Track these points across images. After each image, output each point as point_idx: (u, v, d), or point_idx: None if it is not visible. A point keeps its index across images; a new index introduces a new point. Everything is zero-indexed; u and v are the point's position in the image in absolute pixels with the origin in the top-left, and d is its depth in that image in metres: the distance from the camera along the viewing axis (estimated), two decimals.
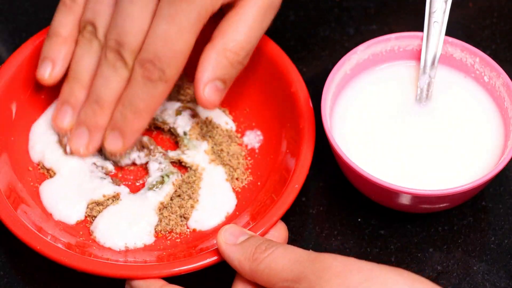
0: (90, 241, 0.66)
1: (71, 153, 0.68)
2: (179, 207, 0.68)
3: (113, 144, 0.66)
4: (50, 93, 0.72)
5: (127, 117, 0.65)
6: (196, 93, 0.64)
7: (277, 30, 0.80)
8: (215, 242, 0.61)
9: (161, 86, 0.63)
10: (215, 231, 0.66)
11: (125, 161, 0.69)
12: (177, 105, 0.72)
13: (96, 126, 0.66)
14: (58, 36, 0.67)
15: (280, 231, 0.64)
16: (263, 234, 0.63)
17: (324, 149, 0.69)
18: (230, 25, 0.64)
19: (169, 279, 0.61)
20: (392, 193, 0.64)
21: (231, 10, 0.64)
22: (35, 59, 0.71)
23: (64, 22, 0.67)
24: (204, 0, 0.61)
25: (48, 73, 0.67)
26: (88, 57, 0.66)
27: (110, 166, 0.69)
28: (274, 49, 0.71)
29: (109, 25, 0.65)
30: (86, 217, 0.67)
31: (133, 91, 0.64)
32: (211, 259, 0.61)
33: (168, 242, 0.67)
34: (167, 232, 0.67)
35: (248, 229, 0.63)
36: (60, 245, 0.63)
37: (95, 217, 0.67)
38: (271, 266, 0.57)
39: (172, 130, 0.71)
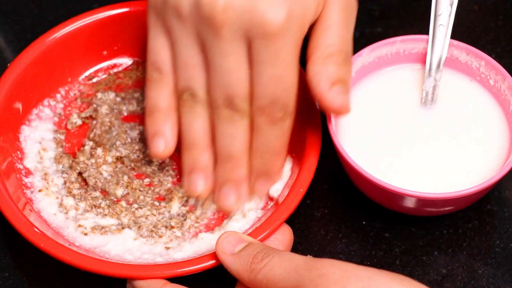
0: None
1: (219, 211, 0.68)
2: None
3: (263, 188, 0.67)
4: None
5: (269, 161, 0.65)
6: (323, 106, 0.64)
7: None
8: None
9: (288, 122, 0.64)
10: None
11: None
12: None
13: (239, 179, 0.66)
14: (159, 111, 0.66)
15: (284, 235, 0.64)
16: (265, 238, 0.63)
17: (329, 152, 0.69)
18: (319, 37, 0.64)
19: (172, 279, 0.61)
20: (397, 196, 0.64)
21: (315, 25, 0.64)
22: (41, 61, 0.71)
23: (160, 96, 0.66)
24: (295, 29, 0.61)
25: (162, 149, 0.67)
26: (197, 122, 0.65)
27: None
28: None
29: (208, 86, 0.64)
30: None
31: (265, 138, 0.64)
32: (213, 261, 0.61)
33: None
34: None
35: (253, 231, 0.63)
36: (63, 243, 0.64)
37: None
38: (268, 277, 0.57)
39: None
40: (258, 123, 0.63)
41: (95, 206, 0.68)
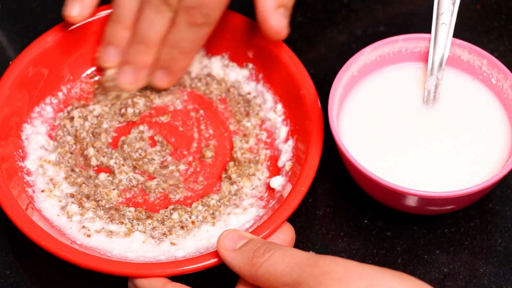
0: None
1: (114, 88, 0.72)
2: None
3: (161, 81, 0.71)
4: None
5: (175, 57, 0.69)
6: (265, 26, 0.67)
7: None
8: None
9: (206, 29, 0.68)
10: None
11: None
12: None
13: (142, 64, 0.70)
14: None
15: (286, 233, 0.64)
16: (267, 236, 0.63)
17: (331, 151, 0.69)
18: None
19: (173, 278, 0.61)
20: (398, 195, 0.64)
21: None
22: (43, 59, 0.71)
23: None
24: None
25: (77, 12, 0.70)
26: (129, 1, 0.69)
27: None
28: (284, 51, 0.71)
29: None
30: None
31: (179, 34, 0.68)
32: (214, 260, 0.61)
33: None
34: None
35: (254, 230, 0.63)
36: (65, 241, 0.64)
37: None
38: (270, 271, 0.57)
39: None
40: (179, 20, 0.67)
41: (106, 217, 0.68)
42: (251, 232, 0.62)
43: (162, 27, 0.68)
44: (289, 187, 0.66)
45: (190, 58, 0.71)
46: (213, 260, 0.61)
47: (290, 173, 0.68)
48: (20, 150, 0.70)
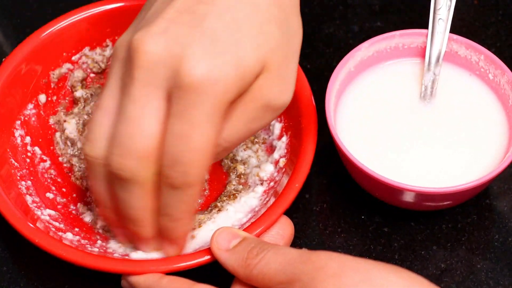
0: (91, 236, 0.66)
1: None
2: None
3: (171, 252, 0.62)
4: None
5: (169, 226, 0.60)
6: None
7: None
8: None
9: (190, 191, 0.57)
10: None
11: None
12: None
13: (144, 239, 0.62)
14: None
15: (285, 229, 0.63)
16: (261, 233, 0.63)
17: (328, 146, 0.69)
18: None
19: (170, 274, 0.61)
20: (395, 191, 0.64)
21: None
22: (37, 55, 0.71)
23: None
24: (217, 93, 0.55)
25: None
26: (100, 186, 0.60)
27: None
28: None
29: (110, 137, 0.58)
30: None
31: (165, 201, 0.58)
32: (209, 257, 0.61)
33: None
34: None
35: (248, 227, 0.62)
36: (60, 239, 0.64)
37: None
38: (264, 272, 0.57)
39: None
40: (162, 187, 0.58)
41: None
42: (244, 230, 0.62)
43: (137, 202, 0.59)
44: (283, 184, 0.66)
45: (186, 224, 0.61)
46: (207, 257, 0.61)
47: (284, 169, 0.68)
48: (13, 147, 0.70)
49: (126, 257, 0.64)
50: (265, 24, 0.58)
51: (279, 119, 0.71)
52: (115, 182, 0.58)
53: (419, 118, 0.69)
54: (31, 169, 0.70)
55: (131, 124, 0.56)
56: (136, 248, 0.64)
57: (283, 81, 0.59)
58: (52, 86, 0.73)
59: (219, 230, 0.61)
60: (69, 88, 0.74)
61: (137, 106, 0.56)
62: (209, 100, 0.55)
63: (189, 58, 0.55)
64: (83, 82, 0.74)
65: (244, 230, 0.62)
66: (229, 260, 0.59)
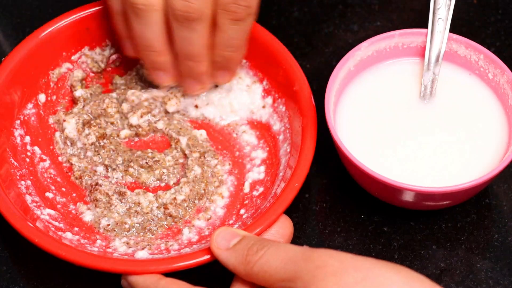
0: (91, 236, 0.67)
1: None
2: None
3: (224, 79, 0.71)
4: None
5: (228, 57, 0.69)
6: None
7: (281, 26, 0.80)
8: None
9: (249, 20, 0.67)
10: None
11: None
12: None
13: (200, 73, 0.70)
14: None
15: (285, 227, 0.63)
16: (260, 233, 0.63)
17: (327, 146, 0.69)
18: None
19: (167, 274, 0.61)
20: (395, 190, 0.64)
21: None
22: (36, 55, 0.71)
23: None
24: None
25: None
26: (155, 30, 0.67)
27: None
28: (278, 47, 0.71)
29: None
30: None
31: (227, 35, 0.67)
32: (208, 256, 0.61)
33: None
34: None
35: (247, 226, 0.62)
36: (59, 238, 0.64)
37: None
38: (264, 269, 0.57)
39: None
40: (221, 22, 0.66)
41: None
42: (244, 229, 0.62)
43: (201, 39, 0.67)
44: (283, 184, 0.66)
45: (243, 51, 0.70)
46: (206, 257, 0.61)
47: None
48: (13, 147, 0.70)
49: (126, 256, 0.64)
50: None
51: (279, 118, 0.71)
52: (177, 24, 0.66)
53: (418, 118, 0.69)
54: (31, 168, 0.70)
55: None
56: (181, 84, 0.72)
57: None
58: (51, 86, 0.73)
59: (218, 230, 0.61)
60: (69, 87, 0.74)
61: None
62: None
63: None
64: (83, 81, 0.74)
65: (243, 229, 0.62)
66: (229, 258, 0.59)
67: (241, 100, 0.73)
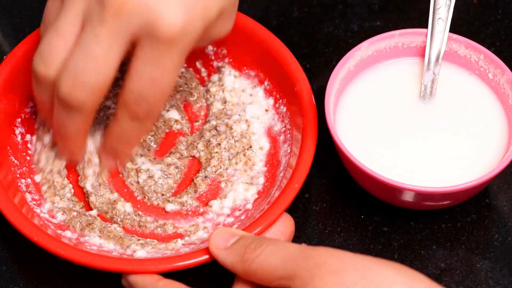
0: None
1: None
2: None
3: (110, 164, 0.69)
4: None
5: (119, 148, 0.67)
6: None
7: (281, 26, 0.80)
8: None
9: (147, 123, 0.64)
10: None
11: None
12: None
13: (76, 156, 0.68)
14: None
15: (286, 226, 0.63)
16: (260, 233, 0.62)
17: (327, 146, 0.69)
18: None
19: (166, 274, 0.61)
20: (395, 190, 0.64)
21: None
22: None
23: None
24: (185, 43, 0.60)
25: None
26: (43, 98, 0.65)
27: None
28: (278, 46, 0.71)
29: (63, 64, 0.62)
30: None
31: (121, 129, 0.64)
32: (207, 256, 0.61)
33: None
34: None
35: (246, 227, 0.62)
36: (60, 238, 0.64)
37: None
38: (263, 266, 0.57)
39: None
40: (119, 115, 0.63)
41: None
42: (244, 230, 0.62)
43: (74, 127, 0.64)
44: (283, 184, 0.66)
45: (133, 147, 0.68)
46: (205, 257, 0.61)
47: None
48: (13, 145, 0.70)
49: (124, 255, 0.64)
50: None
51: (280, 118, 0.71)
52: (59, 104, 0.62)
53: (418, 118, 0.69)
54: (31, 167, 0.70)
55: (91, 60, 0.60)
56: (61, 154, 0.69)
57: (230, 20, 0.66)
58: None
59: (216, 231, 0.61)
60: None
61: (102, 46, 0.59)
62: (179, 50, 0.60)
63: (164, 12, 0.59)
64: None
65: (243, 230, 0.62)
66: (228, 257, 0.59)
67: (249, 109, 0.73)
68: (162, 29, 0.59)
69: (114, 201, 0.68)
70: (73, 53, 0.60)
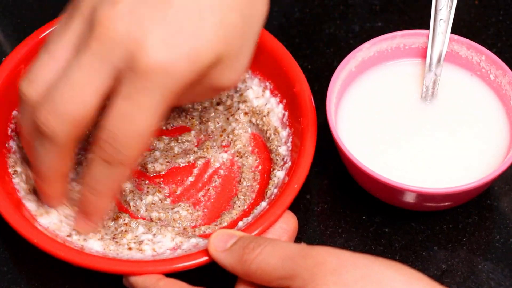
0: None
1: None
2: None
3: (83, 228, 0.64)
4: None
5: (88, 198, 0.61)
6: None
7: (281, 27, 0.80)
8: None
9: (119, 169, 0.58)
10: None
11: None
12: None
13: (53, 197, 0.64)
14: None
15: (289, 223, 0.63)
16: (259, 234, 0.62)
17: (328, 147, 0.69)
18: None
19: (167, 274, 0.61)
20: (396, 191, 0.64)
21: None
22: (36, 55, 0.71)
23: None
24: (169, 83, 0.56)
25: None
26: (25, 122, 0.60)
27: None
28: (278, 48, 0.71)
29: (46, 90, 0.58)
30: None
31: (92, 172, 0.59)
32: (207, 257, 0.61)
33: None
34: None
35: (245, 228, 0.62)
36: (58, 239, 0.63)
37: None
38: (262, 266, 0.57)
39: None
40: (91, 157, 0.58)
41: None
42: (243, 230, 0.62)
43: (51, 162, 0.60)
44: (283, 185, 0.66)
45: (106, 202, 0.61)
46: (205, 258, 0.61)
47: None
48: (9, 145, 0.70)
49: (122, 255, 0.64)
50: (227, 13, 0.58)
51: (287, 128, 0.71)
52: (36, 132, 0.59)
53: (420, 119, 0.69)
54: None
55: (71, 88, 0.56)
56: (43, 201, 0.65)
57: (235, 69, 0.60)
58: None
59: (215, 233, 0.61)
60: None
61: (83, 74, 0.56)
62: (159, 89, 0.56)
63: (147, 45, 0.55)
64: None
65: (242, 230, 0.62)
66: (227, 259, 0.59)
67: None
68: (141, 61, 0.55)
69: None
70: (58, 78, 0.57)
